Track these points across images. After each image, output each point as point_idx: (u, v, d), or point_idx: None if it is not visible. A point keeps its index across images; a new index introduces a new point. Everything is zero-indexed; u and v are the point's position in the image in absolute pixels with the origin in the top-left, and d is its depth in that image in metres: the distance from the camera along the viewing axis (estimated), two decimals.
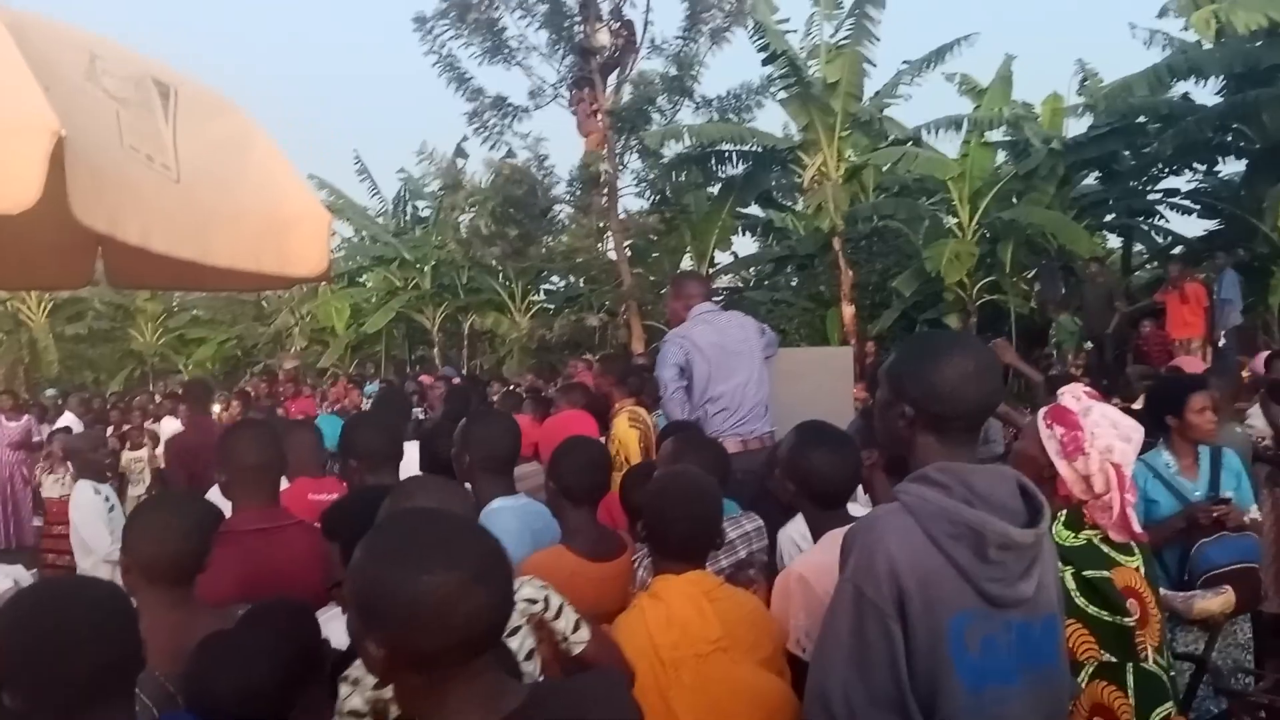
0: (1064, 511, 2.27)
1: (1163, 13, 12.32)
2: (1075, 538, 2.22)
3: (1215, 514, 3.51)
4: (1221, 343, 12.44)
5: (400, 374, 22.22)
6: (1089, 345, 13.84)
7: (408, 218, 24.55)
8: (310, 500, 3.28)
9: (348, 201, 23.37)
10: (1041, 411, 2.42)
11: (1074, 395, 2.39)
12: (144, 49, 2.72)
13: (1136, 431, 2.31)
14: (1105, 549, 2.21)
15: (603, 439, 5.59)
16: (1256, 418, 6.18)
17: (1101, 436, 2.26)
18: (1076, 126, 17.20)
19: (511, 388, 10.88)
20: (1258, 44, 12.66)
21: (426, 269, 22.86)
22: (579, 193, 16.93)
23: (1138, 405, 9.52)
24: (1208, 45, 13.33)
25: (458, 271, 22.14)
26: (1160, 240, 18.37)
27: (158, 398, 15.41)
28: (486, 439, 3.16)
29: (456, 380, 11.83)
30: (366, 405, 11.07)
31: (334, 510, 2.32)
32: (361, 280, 25.32)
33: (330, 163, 72.71)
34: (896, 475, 1.96)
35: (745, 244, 21.82)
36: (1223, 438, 5.19)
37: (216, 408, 11.49)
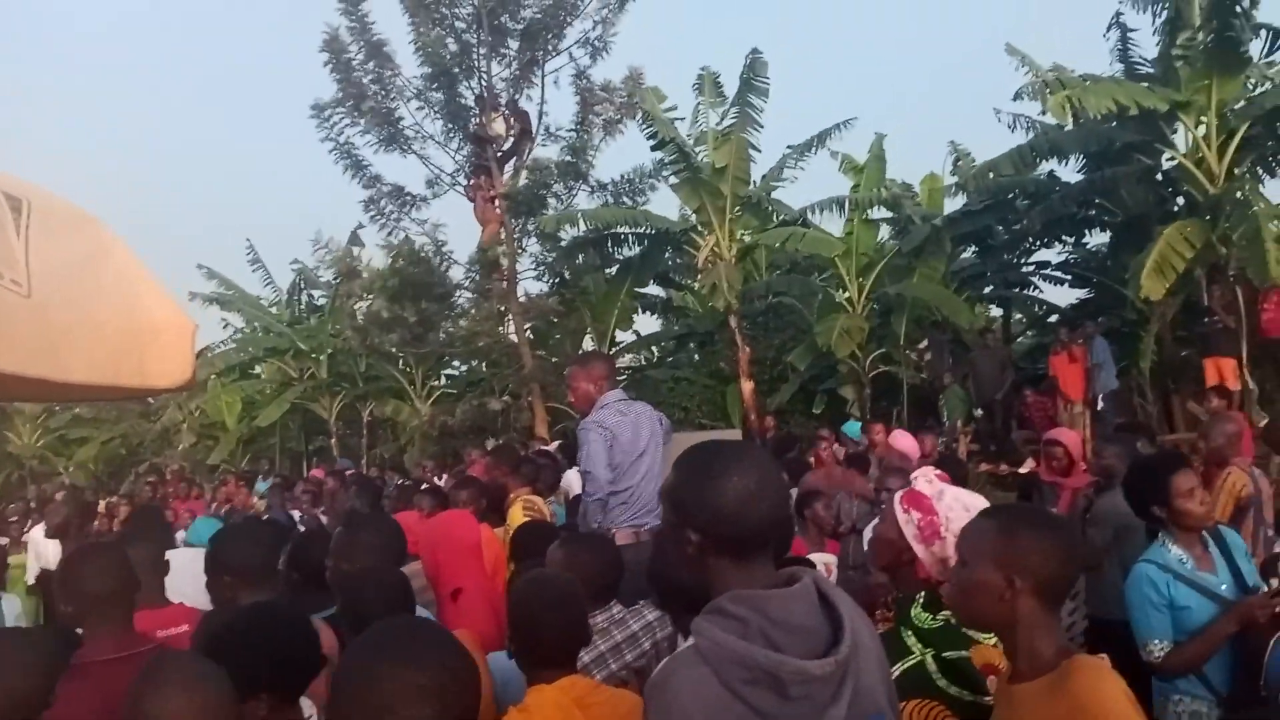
0: (922, 594, 2.34)
1: (1018, 96, 13.16)
2: (934, 619, 2.28)
3: (1278, 608, 2.98)
4: (1100, 407, 13.02)
5: (296, 467, 21.61)
6: (978, 413, 14.34)
7: (302, 307, 24.16)
8: (157, 638, 2.85)
9: (240, 292, 22.91)
10: (898, 495, 2.51)
11: (926, 479, 2.49)
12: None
13: None
14: (964, 629, 2.28)
15: (499, 530, 5.57)
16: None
17: (955, 520, 2.34)
18: (952, 204, 18.13)
19: (407, 481, 10.68)
20: (1111, 125, 13.58)
21: (322, 358, 22.46)
22: (478, 277, 17.00)
23: (1024, 469, 9.87)
24: (1067, 127, 14.27)
25: (355, 360, 21.80)
26: (1037, 310, 19.33)
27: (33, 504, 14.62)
28: (369, 549, 3.17)
29: (350, 473, 11.55)
30: (258, 503, 10.70)
31: (215, 631, 2.24)
32: (255, 372, 24.68)
33: (222, 253, 71.06)
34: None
35: (646, 323, 22.15)
36: (1120, 502, 5.35)
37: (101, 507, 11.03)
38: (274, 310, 23.79)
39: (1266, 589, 3.16)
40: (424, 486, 6.82)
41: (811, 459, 8.42)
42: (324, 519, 7.61)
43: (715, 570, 1.65)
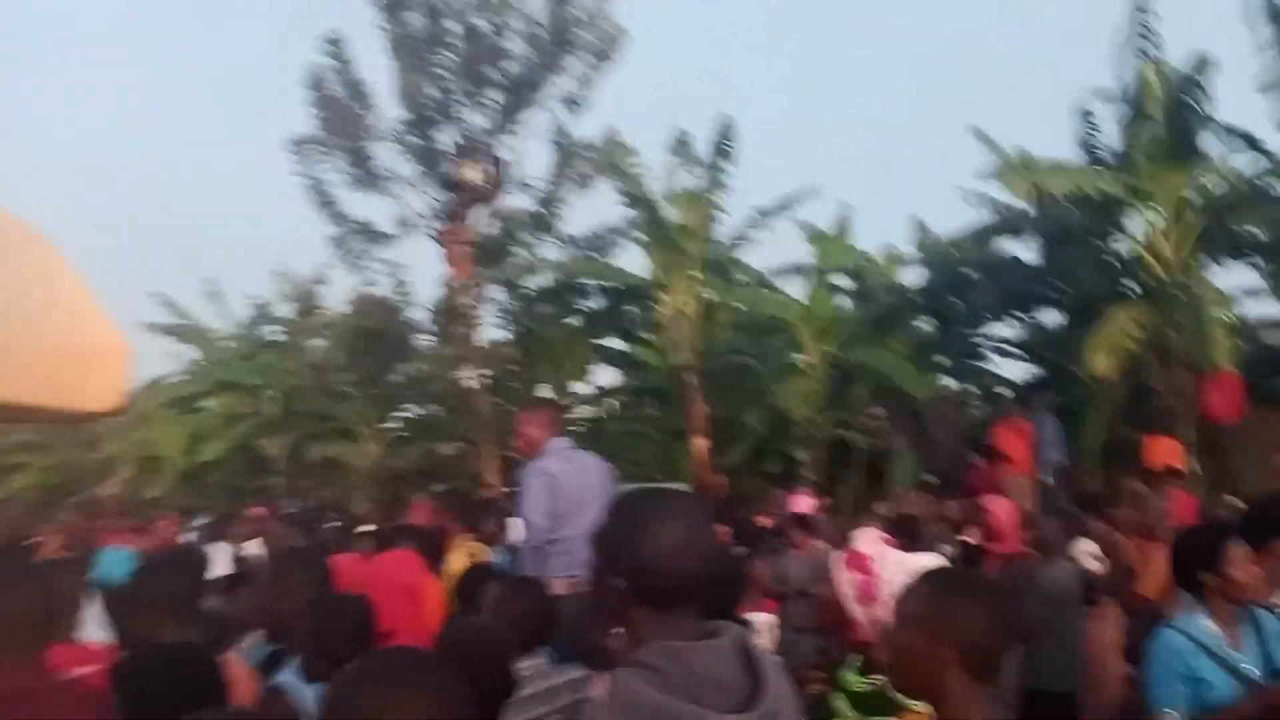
0: (859, 657, 2.32)
1: (983, 177, 13.57)
2: (865, 683, 2.26)
3: None
4: (1047, 481, 13.16)
5: (240, 505, 21.07)
6: (934, 480, 14.40)
7: (259, 343, 23.81)
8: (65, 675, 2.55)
9: (192, 325, 22.61)
10: (840, 555, 2.50)
11: (870, 540, 2.48)
12: None
13: None
14: (895, 695, 2.25)
15: (437, 575, 5.46)
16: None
17: (895, 583, 2.34)
18: (907, 275, 18.46)
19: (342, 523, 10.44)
20: (1069, 208, 13.96)
21: (274, 395, 22.07)
22: (439, 321, 16.99)
23: (969, 538, 9.93)
24: (1027, 209, 14.68)
25: (307, 398, 21.47)
26: (989, 384, 19.59)
27: None
28: (299, 586, 3.16)
29: (289, 512, 11.32)
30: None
31: (125, 669, 2.15)
32: (203, 406, 24.16)
33: (181, 284, 69.65)
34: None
35: (605, 375, 22.07)
36: (1057, 574, 5.44)
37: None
38: (232, 344, 23.43)
39: None
40: (360, 529, 6.70)
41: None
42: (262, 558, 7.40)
43: (638, 620, 1.63)
